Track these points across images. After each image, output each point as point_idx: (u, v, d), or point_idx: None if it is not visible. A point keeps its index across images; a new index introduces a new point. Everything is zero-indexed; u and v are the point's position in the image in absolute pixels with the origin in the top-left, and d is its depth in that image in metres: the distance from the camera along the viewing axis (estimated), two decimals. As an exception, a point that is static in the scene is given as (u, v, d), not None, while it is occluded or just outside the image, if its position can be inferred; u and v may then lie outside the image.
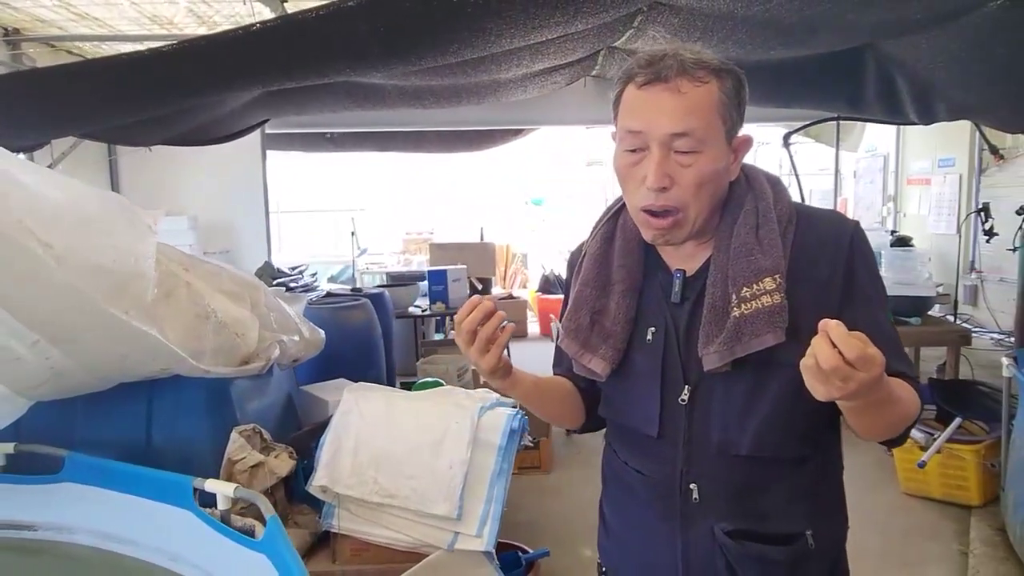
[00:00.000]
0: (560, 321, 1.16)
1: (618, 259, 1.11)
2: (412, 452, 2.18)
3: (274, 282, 4.74)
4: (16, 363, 1.77)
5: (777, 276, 0.97)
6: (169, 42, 2.71)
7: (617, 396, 1.14)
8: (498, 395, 2.43)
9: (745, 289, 0.97)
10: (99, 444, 2.03)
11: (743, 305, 0.97)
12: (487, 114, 5.66)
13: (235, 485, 1.70)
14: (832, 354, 0.77)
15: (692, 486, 1.04)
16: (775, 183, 1.08)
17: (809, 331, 0.94)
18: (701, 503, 1.04)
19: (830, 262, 1.01)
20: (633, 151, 0.99)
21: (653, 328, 1.07)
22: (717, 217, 1.05)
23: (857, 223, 1.06)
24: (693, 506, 1.04)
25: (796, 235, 1.02)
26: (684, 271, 1.07)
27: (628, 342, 1.08)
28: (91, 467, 1.88)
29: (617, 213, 1.15)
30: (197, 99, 3.04)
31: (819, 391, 0.81)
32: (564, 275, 1.25)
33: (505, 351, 1.04)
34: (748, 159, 1.08)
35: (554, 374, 1.25)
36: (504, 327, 1.00)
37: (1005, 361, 2.91)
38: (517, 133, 7.22)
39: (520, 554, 2.66)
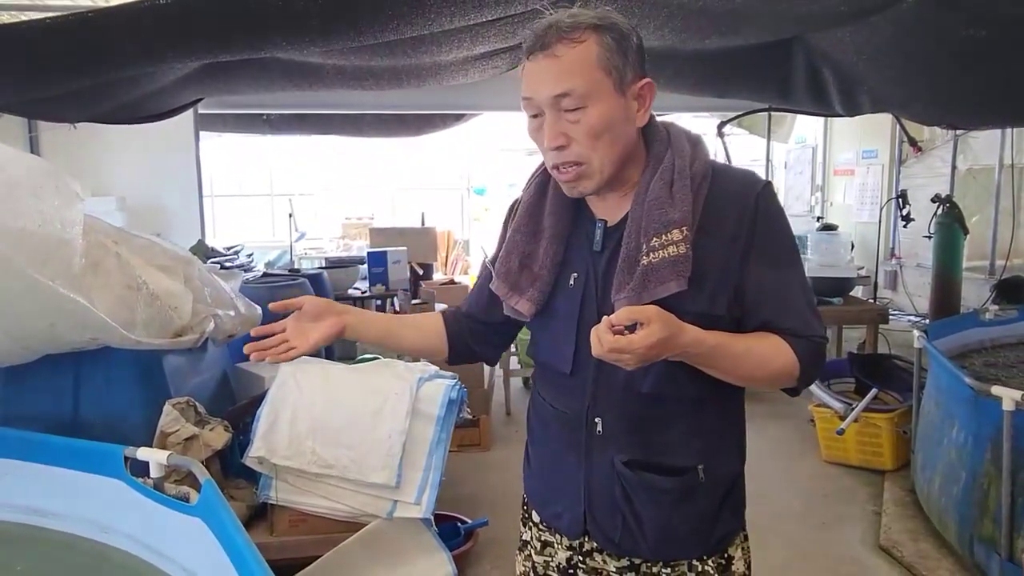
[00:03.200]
0: (492, 264, 1.24)
1: (549, 208, 1.19)
2: (350, 422, 2.19)
3: (208, 261, 4.62)
4: (-67, 332, 1.71)
5: (684, 228, 1.04)
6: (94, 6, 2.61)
7: (539, 336, 1.24)
8: (436, 367, 2.46)
9: (655, 239, 1.05)
10: (22, 418, 1.97)
11: (651, 254, 1.05)
12: (428, 98, 5.64)
13: (168, 452, 1.68)
14: (596, 345, 0.94)
15: (597, 420, 1.14)
16: (695, 142, 1.14)
17: (713, 281, 1.07)
18: (604, 435, 1.14)
19: (737, 218, 1.08)
20: (534, 117, 1.09)
21: (576, 274, 1.16)
22: (638, 170, 1.12)
23: (767, 183, 1.13)
24: (597, 438, 1.15)
25: (709, 191, 1.09)
26: (606, 221, 1.15)
27: (553, 286, 1.17)
28: (14, 440, 1.82)
29: None
30: (125, 71, 2.93)
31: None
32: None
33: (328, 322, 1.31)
34: None
35: (453, 308, 1.39)
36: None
37: (916, 333, 3.10)
38: (458, 118, 7.19)
39: (459, 524, 2.71)
